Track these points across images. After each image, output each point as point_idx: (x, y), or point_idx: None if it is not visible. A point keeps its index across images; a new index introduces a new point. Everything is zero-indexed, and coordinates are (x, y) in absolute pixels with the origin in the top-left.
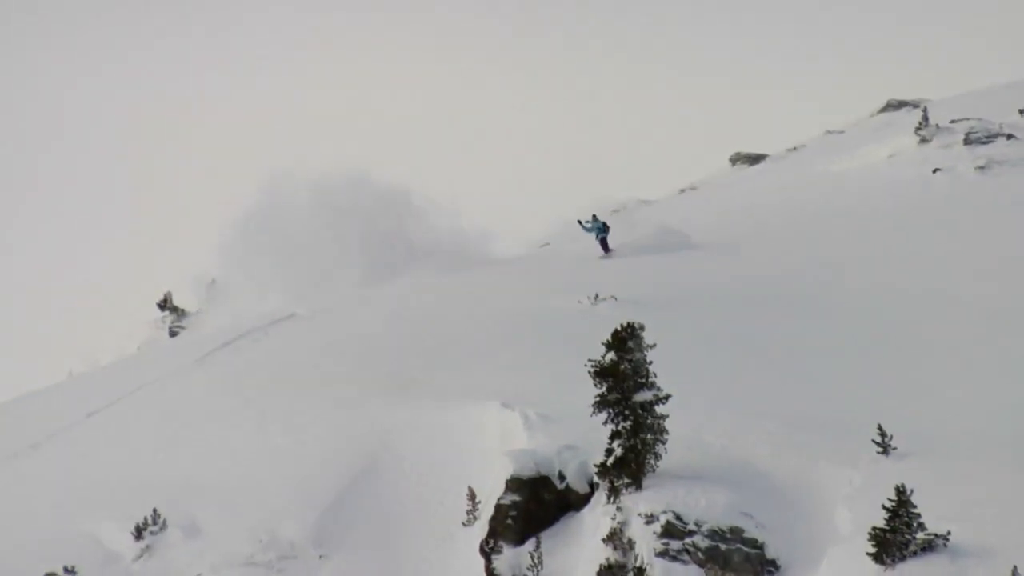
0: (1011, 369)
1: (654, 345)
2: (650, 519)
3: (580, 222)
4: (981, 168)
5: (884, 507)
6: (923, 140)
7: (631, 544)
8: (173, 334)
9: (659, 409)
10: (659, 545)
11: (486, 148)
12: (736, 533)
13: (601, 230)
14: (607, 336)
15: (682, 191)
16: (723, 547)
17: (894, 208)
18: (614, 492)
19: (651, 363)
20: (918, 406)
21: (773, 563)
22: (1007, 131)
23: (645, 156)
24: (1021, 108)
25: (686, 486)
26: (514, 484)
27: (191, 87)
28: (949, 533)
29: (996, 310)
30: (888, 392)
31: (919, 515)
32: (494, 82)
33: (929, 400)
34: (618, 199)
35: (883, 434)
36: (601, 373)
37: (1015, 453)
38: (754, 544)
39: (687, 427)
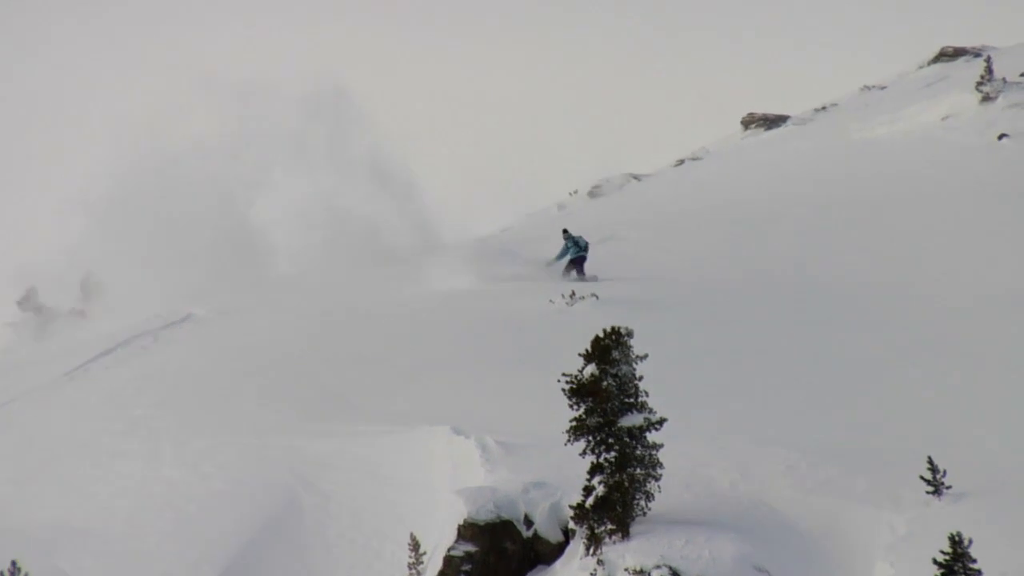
0: None
1: (645, 356)
2: (640, 575)
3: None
4: None
5: (935, 562)
6: (986, 98)
7: None
8: (38, 340)
9: (651, 437)
10: None
11: (458, 121)
12: None
13: (579, 249)
14: (586, 344)
15: (680, 162)
16: None
17: (949, 184)
18: (594, 541)
19: (641, 379)
20: (980, 433)
21: None
22: None
23: (649, 122)
24: None
25: (685, 534)
26: (468, 531)
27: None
28: None
29: None
30: (941, 415)
31: (980, 572)
32: (477, 47)
33: (994, 426)
34: (604, 175)
35: (934, 468)
36: (579, 391)
37: None
38: None
39: (686, 459)
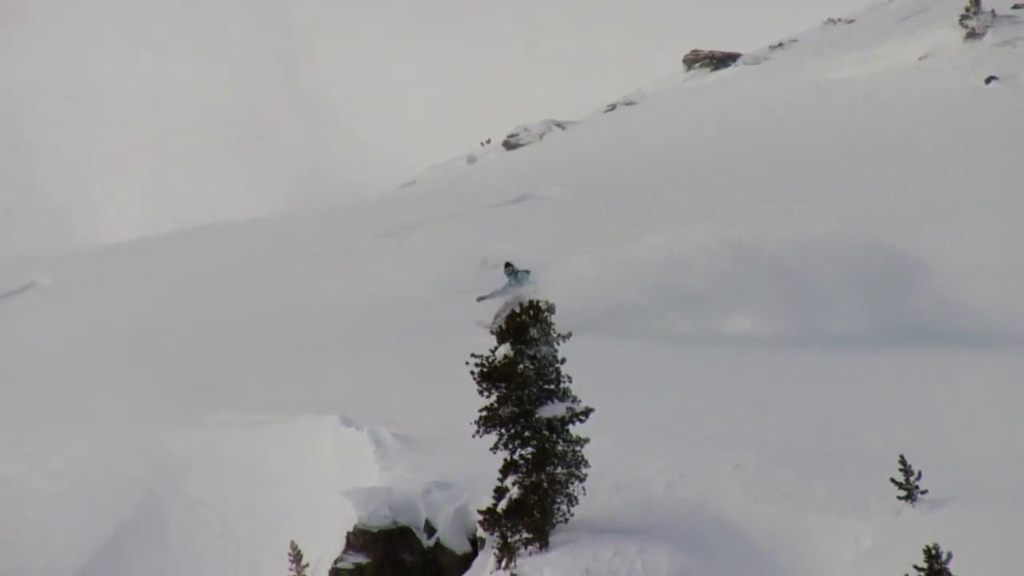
0: None
1: (569, 335)
2: None
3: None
4: None
5: None
6: (971, 34)
7: None
8: None
9: (575, 430)
10: None
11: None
12: None
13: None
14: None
15: (612, 107)
16: None
17: (926, 136)
18: (508, 552)
19: (563, 361)
20: (960, 431)
21: None
22: None
23: (575, 60)
24: None
25: (614, 544)
26: (359, 539)
27: None
28: None
29: None
30: (915, 410)
31: None
32: None
33: (976, 423)
34: (522, 122)
35: (907, 471)
36: (490, 375)
37: None
38: None
39: (616, 457)
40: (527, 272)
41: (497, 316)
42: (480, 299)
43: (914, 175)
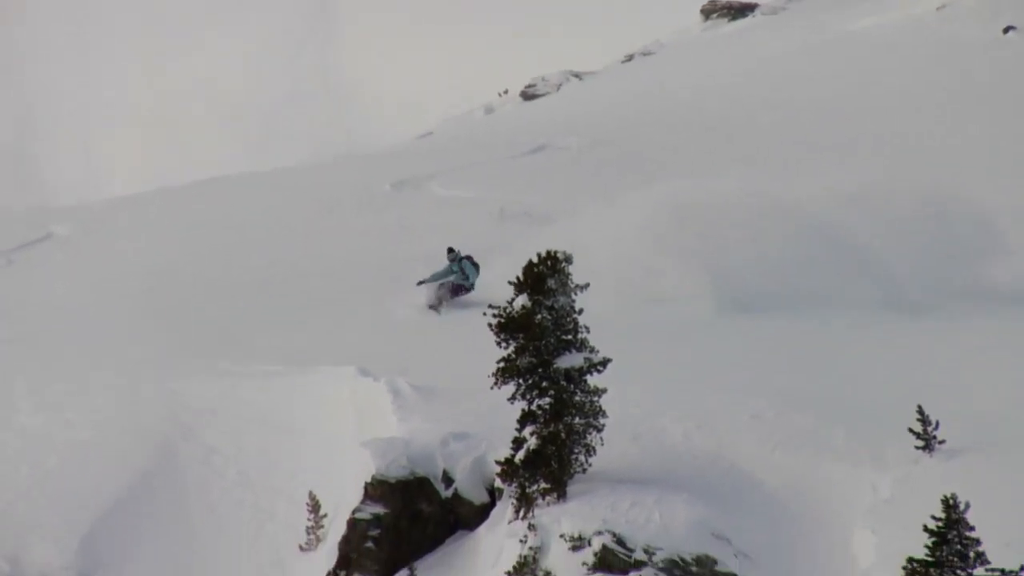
0: None
1: (586, 285)
2: (578, 543)
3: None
4: None
5: (926, 529)
6: None
7: None
8: None
9: (592, 380)
10: None
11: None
12: (705, 566)
13: (465, 279)
14: (517, 271)
15: (629, 58)
16: None
17: (943, 87)
18: (526, 502)
19: (581, 312)
20: (978, 380)
21: None
22: None
23: (593, 9)
24: None
25: (632, 494)
26: (377, 489)
27: None
28: (1023, 569)
29: None
30: (934, 360)
31: (978, 541)
32: None
33: (995, 372)
34: (539, 73)
35: (924, 420)
36: (508, 326)
37: None
38: None
39: (634, 407)
40: (470, 259)
41: (432, 299)
42: (420, 283)
43: (926, 124)
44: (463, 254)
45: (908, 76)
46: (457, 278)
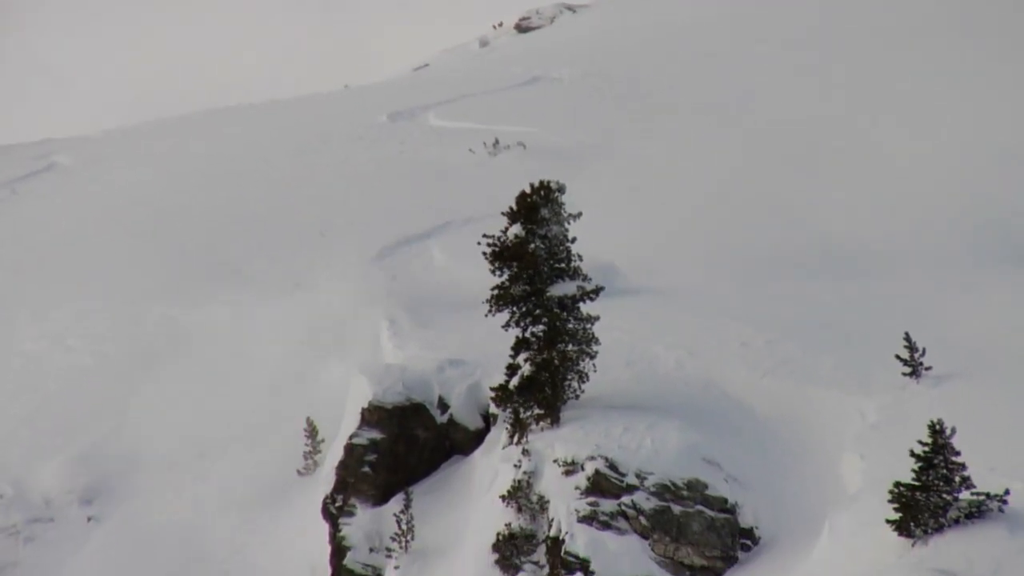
0: None
1: (579, 215)
2: (571, 468)
3: None
4: None
5: (912, 454)
6: None
7: (543, 504)
8: None
9: (585, 308)
10: (584, 506)
11: None
12: (695, 489)
13: None
14: (511, 201)
15: None
16: (676, 509)
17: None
18: (520, 428)
19: (574, 241)
20: (965, 310)
21: (750, 533)
22: None
23: None
24: None
25: (624, 420)
26: (374, 415)
27: None
28: (1008, 493)
29: None
30: (922, 291)
31: (963, 466)
32: None
33: (982, 303)
34: (533, 5)
35: (911, 347)
36: (502, 255)
37: None
38: (722, 506)
39: (626, 334)
40: None
41: None
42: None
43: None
44: None
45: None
46: None
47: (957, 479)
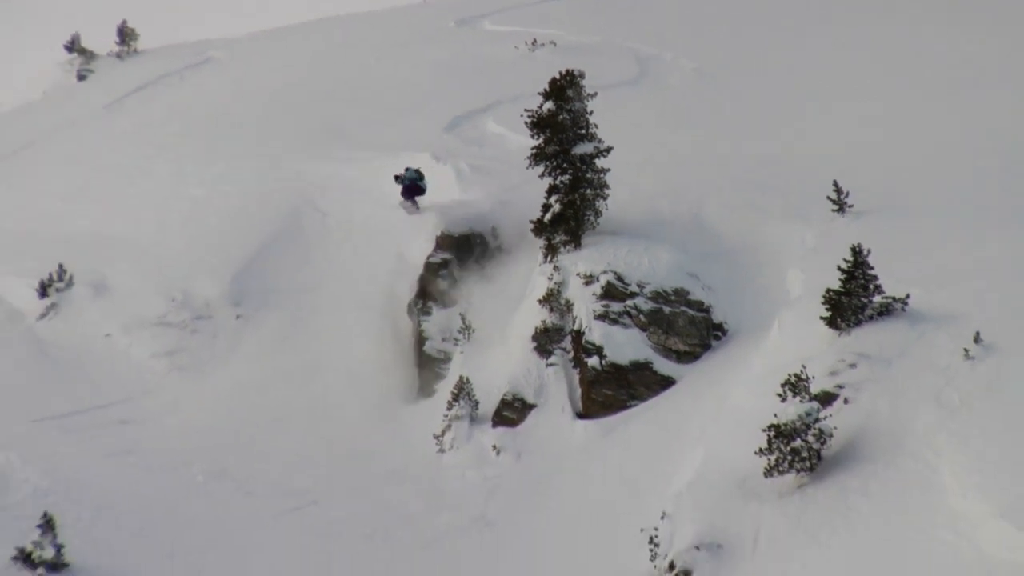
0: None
1: (595, 94)
2: (589, 279)
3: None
4: None
5: (839, 268)
6: None
7: (569, 306)
8: (81, 78)
9: (600, 163)
10: (598, 307)
11: None
12: (681, 295)
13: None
14: (545, 84)
15: None
16: (667, 310)
17: None
18: (551, 251)
19: (592, 113)
20: (879, 162)
21: (720, 327)
22: None
23: None
24: None
25: (628, 245)
26: (444, 241)
27: None
28: (908, 297)
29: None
30: (851, 148)
31: (876, 277)
32: None
33: (891, 157)
34: None
35: (838, 190)
36: (538, 124)
37: (979, 213)
38: (700, 307)
39: (629, 183)
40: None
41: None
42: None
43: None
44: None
45: None
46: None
47: (871, 287)
